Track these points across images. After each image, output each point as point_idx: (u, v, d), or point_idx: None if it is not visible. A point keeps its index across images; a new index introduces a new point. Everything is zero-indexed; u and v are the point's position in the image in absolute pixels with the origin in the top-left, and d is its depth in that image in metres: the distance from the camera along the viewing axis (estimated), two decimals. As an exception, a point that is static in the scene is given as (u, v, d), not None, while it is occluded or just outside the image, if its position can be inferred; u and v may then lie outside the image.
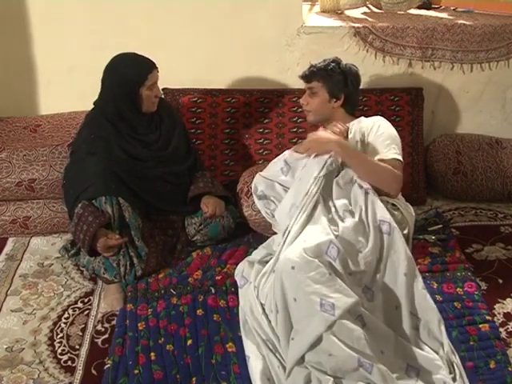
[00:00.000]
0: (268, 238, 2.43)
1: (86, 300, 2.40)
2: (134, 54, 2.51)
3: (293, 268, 1.90)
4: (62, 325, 2.27)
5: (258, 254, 2.34)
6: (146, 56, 2.51)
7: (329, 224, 2.07)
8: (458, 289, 2.31)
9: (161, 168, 2.60)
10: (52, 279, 2.52)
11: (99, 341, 2.19)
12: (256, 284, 2.17)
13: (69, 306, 2.37)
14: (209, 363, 2.02)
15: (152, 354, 2.07)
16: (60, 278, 2.53)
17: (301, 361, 1.89)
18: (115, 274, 2.39)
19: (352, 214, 2.14)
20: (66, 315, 2.32)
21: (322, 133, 2.39)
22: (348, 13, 3.30)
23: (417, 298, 2.03)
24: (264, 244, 2.38)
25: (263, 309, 2.08)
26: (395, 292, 2.05)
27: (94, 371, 2.05)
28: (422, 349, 1.98)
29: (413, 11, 3.34)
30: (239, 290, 2.29)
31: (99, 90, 2.55)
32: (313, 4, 3.43)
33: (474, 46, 3.09)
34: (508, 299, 2.34)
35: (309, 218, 2.12)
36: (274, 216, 2.48)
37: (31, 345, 2.17)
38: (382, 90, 3.07)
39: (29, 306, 2.37)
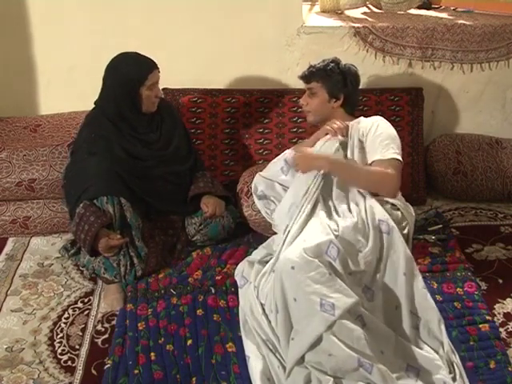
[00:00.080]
0: (268, 238, 2.44)
1: (86, 300, 2.40)
2: (136, 53, 2.51)
3: (293, 268, 1.90)
4: (62, 325, 2.27)
5: (257, 254, 2.34)
6: (148, 56, 2.51)
7: (329, 224, 2.07)
8: (458, 289, 2.31)
9: (162, 168, 2.60)
10: (52, 279, 2.52)
11: (99, 341, 2.19)
12: (256, 284, 2.17)
13: (69, 305, 2.37)
14: (209, 363, 2.02)
15: (152, 353, 2.07)
16: (60, 278, 2.53)
17: (301, 361, 1.89)
18: (115, 273, 2.39)
19: (352, 213, 2.14)
20: (65, 315, 2.32)
21: (309, 149, 2.40)
22: (348, 13, 3.30)
23: (417, 298, 2.04)
24: (264, 244, 2.38)
25: (263, 309, 2.08)
26: (395, 292, 2.05)
27: (93, 371, 2.05)
28: (422, 348, 1.98)
29: (413, 11, 3.34)
30: (239, 289, 2.29)
31: (100, 90, 2.55)
32: (313, 4, 3.43)
33: (473, 45, 3.09)
34: (508, 299, 2.34)
35: (308, 218, 2.12)
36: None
37: (31, 345, 2.17)
38: (382, 90, 3.07)
39: (29, 306, 2.37)
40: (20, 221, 2.78)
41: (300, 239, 2.02)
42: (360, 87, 2.65)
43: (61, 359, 2.11)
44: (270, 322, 2.03)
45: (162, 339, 2.13)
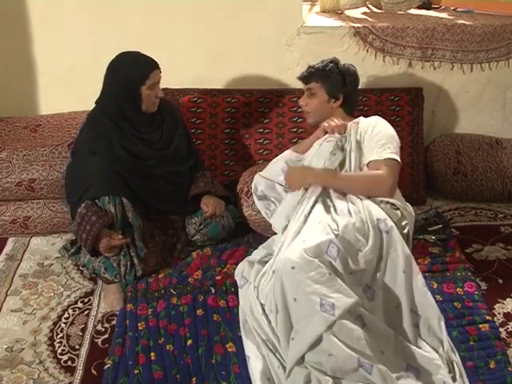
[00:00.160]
0: (268, 238, 2.44)
1: (86, 300, 2.40)
2: (138, 52, 2.51)
3: (293, 268, 1.90)
4: (62, 325, 2.27)
5: (257, 254, 2.34)
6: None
7: (328, 223, 2.07)
8: (458, 289, 2.31)
9: (162, 167, 2.60)
10: (52, 279, 2.52)
11: (99, 341, 2.19)
12: (256, 284, 2.17)
13: (69, 305, 2.37)
14: (209, 363, 2.02)
15: (152, 353, 2.07)
16: (60, 278, 2.53)
17: (301, 361, 1.89)
18: (115, 273, 2.39)
19: (351, 213, 2.14)
20: (66, 315, 2.32)
21: (299, 168, 2.43)
22: (348, 13, 3.30)
23: (417, 296, 2.04)
24: (264, 244, 2.38)
25: (263, 309, 2.07)
26: (395, 290, 2.05)
27: (94, 371, 2.06)
28: (421, 347, 1.98)
29: (413, 11, 3.34)
30: (239, 289, 2.29)
31: (100, 89, 2.55)
32: (313, 4, 3.43)
33: (474, 45, 3.09)
34: (508, 299, 2.34)
35: (308, 218, 2.12)
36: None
37: (31, 345, 2.17)
38: (382, 90, 3.07)
39: (29, 306, 2.37)
40: (20, 221, 2.78)
41: (300, 239, 2.02)
42: (360, 87, 2.65)
43: (61, 359, 2.11)
44: (269, 322, 2.03)
45: (162, 339, 2.13)
